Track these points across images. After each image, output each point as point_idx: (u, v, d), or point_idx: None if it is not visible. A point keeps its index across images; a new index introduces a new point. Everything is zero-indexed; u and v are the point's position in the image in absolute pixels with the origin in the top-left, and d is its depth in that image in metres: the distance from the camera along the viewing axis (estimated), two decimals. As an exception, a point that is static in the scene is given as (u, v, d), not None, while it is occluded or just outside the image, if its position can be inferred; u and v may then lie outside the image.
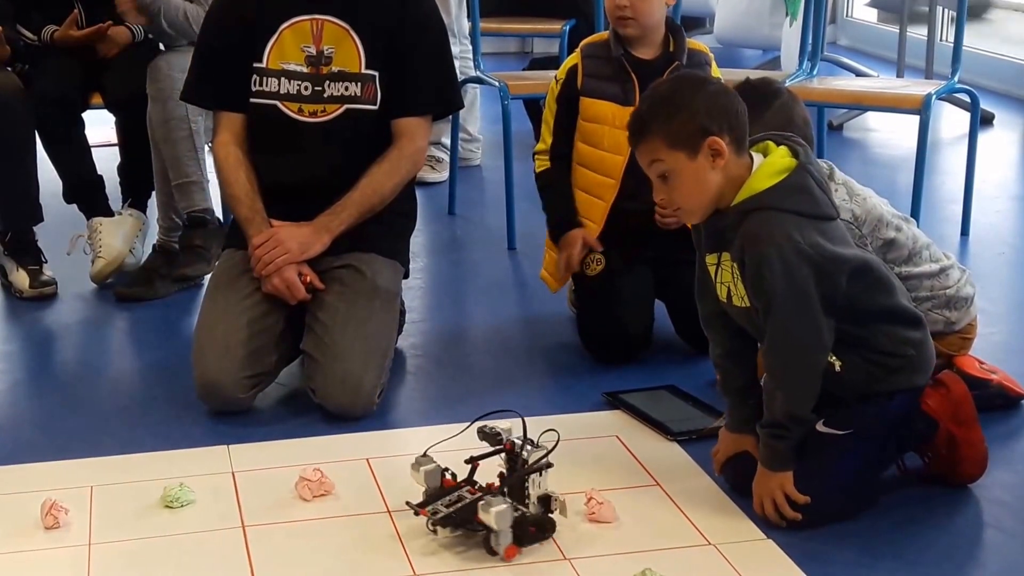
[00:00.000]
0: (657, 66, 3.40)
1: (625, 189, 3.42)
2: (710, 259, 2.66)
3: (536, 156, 3.59)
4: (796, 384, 2.58)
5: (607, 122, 3.44)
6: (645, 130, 2.58)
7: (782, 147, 2.60)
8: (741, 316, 2.65)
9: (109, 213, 4.28)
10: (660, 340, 3.57)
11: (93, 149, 4.36)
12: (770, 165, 2.57)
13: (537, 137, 3.75)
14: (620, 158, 3.41)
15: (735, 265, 2.58)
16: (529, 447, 2.53)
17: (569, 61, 3.53)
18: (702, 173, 2.54)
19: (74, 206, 4.36)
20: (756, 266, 2.50)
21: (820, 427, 2.63)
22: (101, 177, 4.36)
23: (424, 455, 2.58)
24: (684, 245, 3.39)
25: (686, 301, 3.43)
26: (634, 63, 3.42)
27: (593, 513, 2.61)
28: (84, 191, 4.33)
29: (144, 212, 4.32)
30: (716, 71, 3.49)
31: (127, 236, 4.19)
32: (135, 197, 4.31)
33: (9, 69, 4.06)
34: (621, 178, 3.41)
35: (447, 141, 5.23)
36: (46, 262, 4.11)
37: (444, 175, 5.27)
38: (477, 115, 5.64)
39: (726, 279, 2.63)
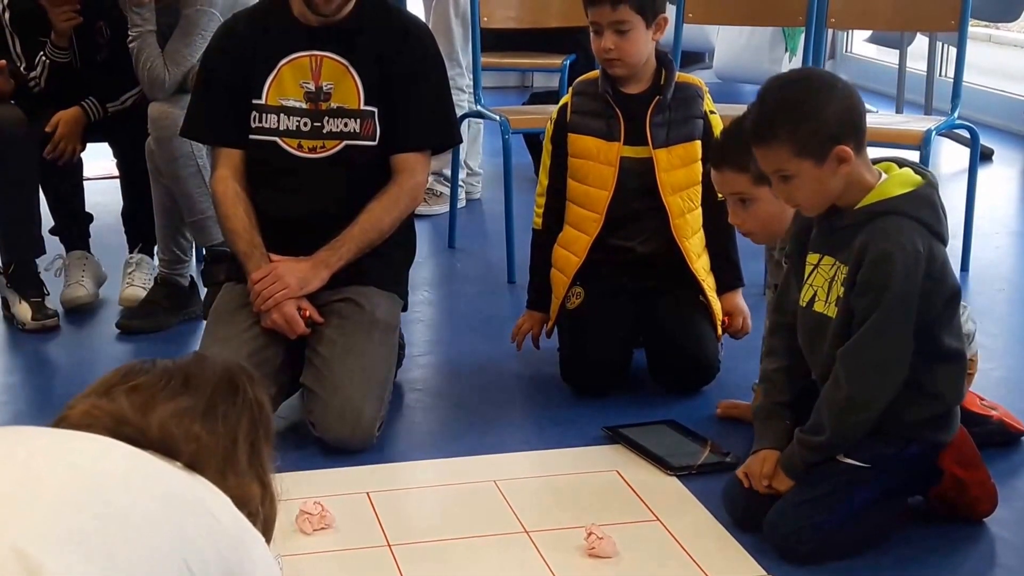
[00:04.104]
0: (643, 100, 3.43)
1: (609, 224, 3.45)
2: (811, 258, 2.67)
3: (536, 200, 3.63)
4: (867, 390, 2.57)
5: (591, 157, 3.45)
6: (770, 136, 2.55)
7: (906, 168, 2.63)
8: (812, 325, 2.65)
9: (87, 248, 4.33)
10: (660, 374, 3.58)
11: (94, 181, 4.38)
12: (902, 176, 2.60)
13: (537, 171, 3.77)
14: (605, 193, 3.43)
15: (839, 268, 2.58)
16: None
17: (562, 101, 3.57)
18: (826, 178, 2.54)
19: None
20: (877, 263, 2.51)
21: (841, 457, 2.63)
22: (90, 214, 4.42)
23: None
24: (662, 277, 3.44)
25: (661, 342, 3.48)
26: (619, 98, 3.44)
27: (593, 548, 2.60)
28: (74, 224, 4.36)
29: (153, 258, 4.31)
30: (710, 104, 3.51)
31: (146, 279, 4.21)
32: (145, 242, 4.31)
33: (12, 102, 4.08)
34: (605, 213, 3.44)
35: (448, 172, 5.25)
36: (48, 294, 4.12)
37: (438, 208, 5.28)
38: (479, 149, 5.66)
39: (817, 282, 2.64)
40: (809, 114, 2.52)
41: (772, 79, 2.67)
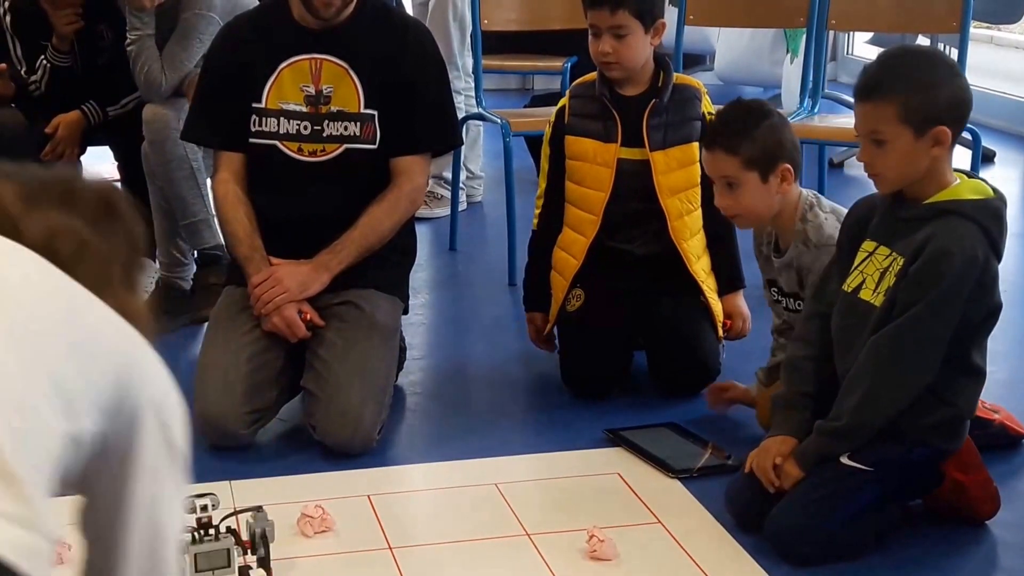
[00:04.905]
0: (640, 102, 3.43)
1: (606, 226, 3.45)
2: (867, 245, 2.67)
3: (536, 202, 3.64)
4: (891, 382, 2.57)
5: (588, 159, 3.46)
6: (880, 94, 2.55)
7: (975, 180, 2.63)
8: (853, 311, 2.65)
9: None
10: (661, 377, 3.57)
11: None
12: (976, 184, 2.61)
13: (538, 173, 3.78)
14: (602, 195, 3.43)
15: (895, 259, 2.58)
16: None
17: (560, 104, 3.57)
18: (918, 154, 2.54)
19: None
20: (935, 260, 2.51)
21: (844, 459, 2.63)
22: None
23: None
24: (662, 279, 3.45)
25: (661, 344, 3.48)
26: (616, 100, 3.44)
27: (594, 551, 2.60)
28: None
29: (154, 261, 4.30)
30: (708, 106, 3.51)
31: (147, 282, 4.20)
32: (146, 246, 4.29)
33: (12, 106, 4.08)
34: (602, 215, 3.44)
35: (449, 175, 5.25)
36: (48, 298, 4.11)
37: (439, 211, 5.27)
38: (479, 153, 5.66)
39: (868, 270, 2.64)
40: (927, 84, 2.53)
41: (898, 46, 2.67)
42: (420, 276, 4.44)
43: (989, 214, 2.57)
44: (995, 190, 2.62)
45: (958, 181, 2.60)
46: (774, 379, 3.16)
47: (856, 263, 2.67)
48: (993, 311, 2.63)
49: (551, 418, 3.39)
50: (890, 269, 2.59)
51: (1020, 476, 3.03)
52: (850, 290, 2.67)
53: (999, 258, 2.60)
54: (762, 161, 2.95)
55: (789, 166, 2.97)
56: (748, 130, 2.96)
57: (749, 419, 3.25)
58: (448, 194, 5.22)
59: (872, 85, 2.57)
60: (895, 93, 2.52)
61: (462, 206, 5.22)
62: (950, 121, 2.53)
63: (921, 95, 2.52)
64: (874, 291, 2.61)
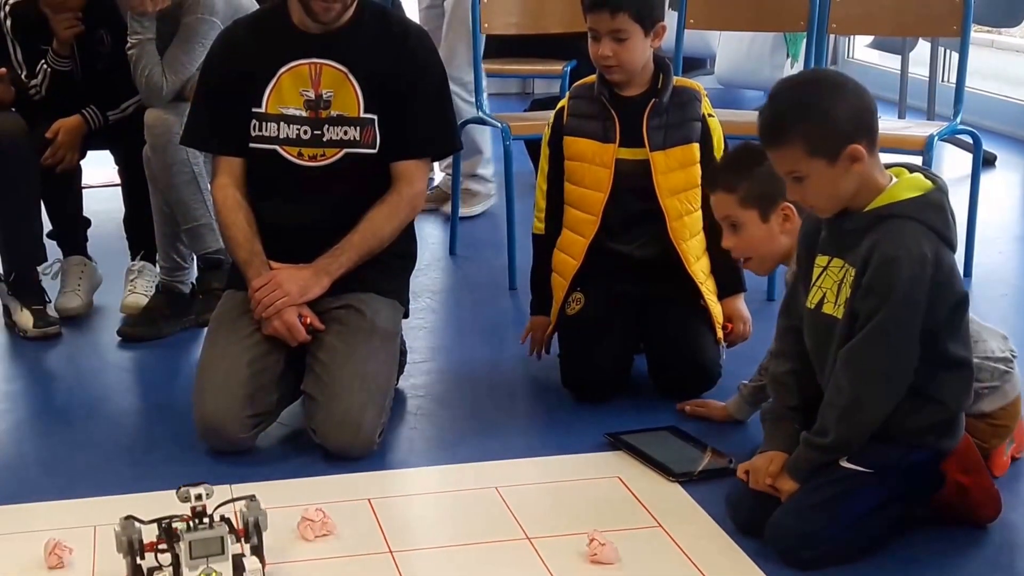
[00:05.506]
0: (639, 102, 3.43)
1: (605, 226, 3.45)
2: (820, 260, 2.67)
3: (536, 204, 3.64)
4: (871, 392, 2.57)
5: (587, 159, 3.47)
6: (782, 137, 2.55)
7: (916, 173, 2.62)
8: (819, 326, 2.65)
9: (85, 252, 4.36)
10: (662, 380, 3.57)
11: (96, 189, 4.36)
12: (912, 180, 2.59)
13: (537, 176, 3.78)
14: (600, 195, 3.44)
15: (847, 270, 2.58)
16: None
17: (559, 105, 3.58)
18: (839, 178, 2.54)
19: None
20: (882, 267, 2.50)
21: (843, 462, 2.63)
22: (88, 219, 4.44)
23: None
24: (663, 282, 3.45)
25: (661, 347, 3.49)
26: (616, 101, 3.45)
27: (595, 554, 2.60)
28: (71, 229, 4.36)
29: (155, 265, 4.30)
30: (708, 107, 3.51)
31: (148, 286, 4.20)
32: (147, 250, 4.30)
33: (13, 110, 4.07)
34: (601, 215, 3.44)
35: (483, 172, 5.34)
36: (49, 302, 4.12)
37: (476, 208, 5.34)
38: (489, 158, 5.65)
39: (826, 284, 2.63)
40: (821, 113, 2.52)
41: (782, 80, 2.67)
42: (420, 280, 4.45)
43: (931, 209, 2.56)
44: (935, 180, 2.61)
45: (895, 180, 2.60)
46: (757, 401, 3.17)
47: (814, 279, 2.68)
48: (959, 302, 2.62)
49: (551, 421, 3.39)
50: (845, 280, 2.59)
51: (1021, 478, 3.02)
52: (813, 306, 2.67)
53: (953, 247, 2.59)
54: (761, 199, 2.99)
55: (791, 204, 2.98)
56: (747, 169, 3.01)
57: (750, 421, 3.25)
58: (483, 190, 5.25)
59: (771, 132, 2.57)
60: (795, 133, 2.52)
61: (476, 211, 5.26)
62: (858, 135, 2.52)
63: (819, 126, 2.51)
64: (835, 304, 2.61)
